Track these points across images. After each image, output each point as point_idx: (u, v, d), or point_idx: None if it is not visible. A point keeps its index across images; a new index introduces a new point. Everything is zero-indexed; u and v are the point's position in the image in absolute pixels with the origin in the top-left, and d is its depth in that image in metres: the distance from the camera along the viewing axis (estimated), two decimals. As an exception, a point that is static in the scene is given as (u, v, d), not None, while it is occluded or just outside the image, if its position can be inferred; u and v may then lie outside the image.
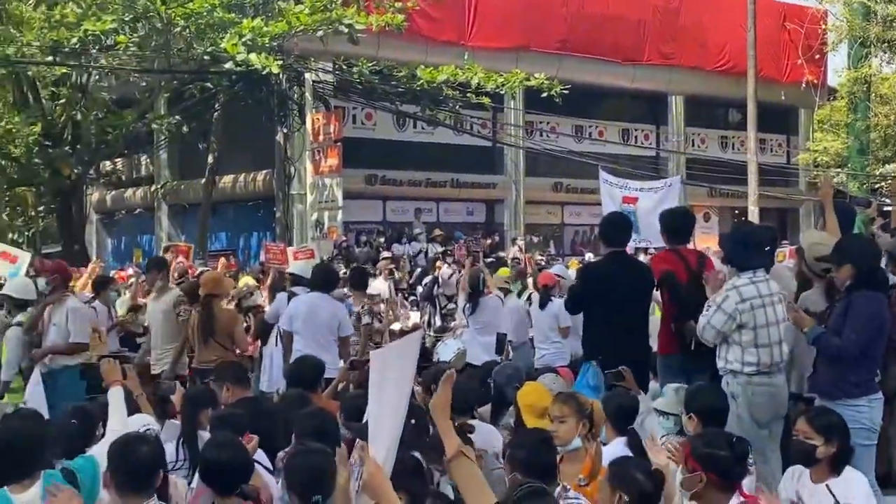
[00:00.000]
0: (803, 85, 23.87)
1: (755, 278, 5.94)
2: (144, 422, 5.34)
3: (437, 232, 23.71)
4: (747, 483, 4.37)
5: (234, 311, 8.77)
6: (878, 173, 23.59)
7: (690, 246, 9.12)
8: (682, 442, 4.69)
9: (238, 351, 8.73)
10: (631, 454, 4.97)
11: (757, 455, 5.78)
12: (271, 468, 4.93)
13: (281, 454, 4.89)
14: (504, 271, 13.88)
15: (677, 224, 7.07)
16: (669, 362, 6.89)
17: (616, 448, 5.07)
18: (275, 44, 18.13)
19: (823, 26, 26.18)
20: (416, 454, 3.77)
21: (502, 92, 20.77)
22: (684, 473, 4.21)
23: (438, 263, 16.60)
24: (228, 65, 17.05)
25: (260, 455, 4.95)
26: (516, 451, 4.42)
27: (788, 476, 4.87)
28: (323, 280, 8.82)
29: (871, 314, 5.35)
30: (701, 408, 5.15)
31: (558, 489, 4.30)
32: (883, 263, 6.36)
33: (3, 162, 20.64)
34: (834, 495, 4.52)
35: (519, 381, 6.42)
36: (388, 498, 3.09)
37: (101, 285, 10.67)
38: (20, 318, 9.15)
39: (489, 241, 24.85)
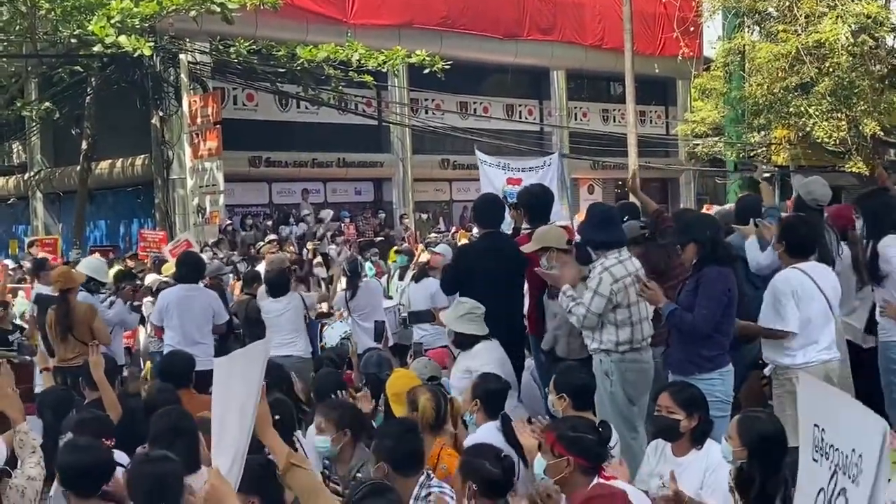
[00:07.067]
0: (679, 57, 24.32)
1: (621, 257, 6.02)
2: None
3: (325, 212, 23.48)
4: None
5: (91, 304, 8.44)
6: (752, 141, 24.25)
7: (563, 222, 9.27)
8: (544, 428, 4.65)
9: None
10: (503, 438, 4.98)
11: (629, 431, 5.90)
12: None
13: (139, 449, 4.78)
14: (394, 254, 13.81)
15: (535, 202, 7.13)
16: (539, 341, 6.97)
17: (485, 433, 5.05)
18: (146, 25, 17.57)
19: (697, -2, 26.70)
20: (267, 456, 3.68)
21: (385, 70, 20.58)
22: (548, 460, 4.19)
23: (310, 245, 16.26)
24: (97, 48, 16.43)
25: (120, 456, 4.83)
26: (383, 441, 4.40)
27: (651, 450, 4.93)
28: (191, 270, 8.58)
29: (721, 289, 5.46)
30: (572, 388, 5.13)
31: (422, 477, 4.31)
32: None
33: None
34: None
35: (389, 367, 6.38)
36: None
37: (-37, 283, 10.24)
38: None
39: (377, 220, 24.77)
